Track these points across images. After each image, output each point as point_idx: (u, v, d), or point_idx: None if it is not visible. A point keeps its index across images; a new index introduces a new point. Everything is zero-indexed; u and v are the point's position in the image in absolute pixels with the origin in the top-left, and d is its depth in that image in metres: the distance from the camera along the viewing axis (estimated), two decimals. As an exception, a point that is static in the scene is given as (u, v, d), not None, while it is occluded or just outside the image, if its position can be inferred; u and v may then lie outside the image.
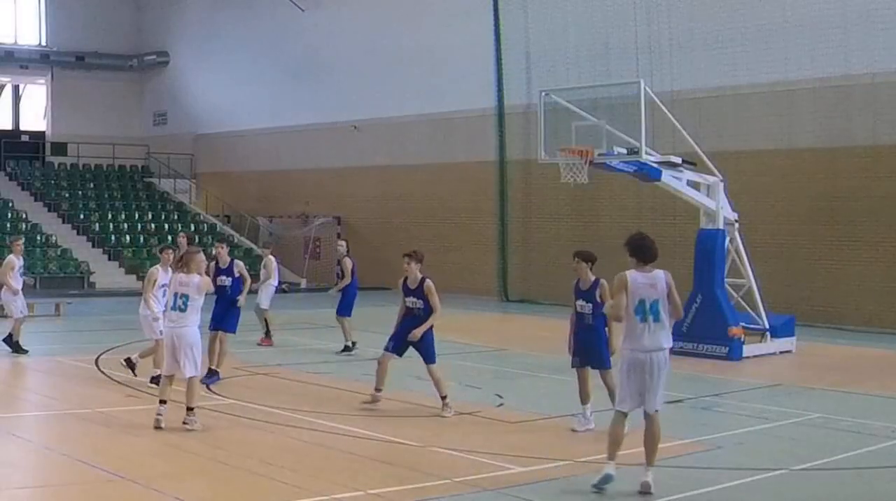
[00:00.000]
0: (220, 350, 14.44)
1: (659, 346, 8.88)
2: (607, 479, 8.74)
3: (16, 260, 17.51)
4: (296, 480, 9.12)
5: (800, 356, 18.77)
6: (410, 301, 12.33)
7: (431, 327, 12.26)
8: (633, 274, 8.92)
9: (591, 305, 11.37)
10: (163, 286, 13.69)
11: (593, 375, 11.54)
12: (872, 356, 19.38)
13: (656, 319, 8.85)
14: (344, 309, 18.34)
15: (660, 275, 8.96)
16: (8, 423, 11.85)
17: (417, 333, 12.08)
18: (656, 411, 8.92)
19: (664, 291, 8.89)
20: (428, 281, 12.30)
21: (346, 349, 18.05)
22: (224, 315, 14.72)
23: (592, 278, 11.51)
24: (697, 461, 10.24)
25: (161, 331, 12.88)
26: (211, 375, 14.15)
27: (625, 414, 8.98)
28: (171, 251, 14.34)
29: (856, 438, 11.45)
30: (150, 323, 14.12)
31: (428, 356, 12.30)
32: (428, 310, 12.23)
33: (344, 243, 19.50)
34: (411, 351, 12.30)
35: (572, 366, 11.61)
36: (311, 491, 8.72)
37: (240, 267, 15.13)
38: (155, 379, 13.22)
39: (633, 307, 8.82)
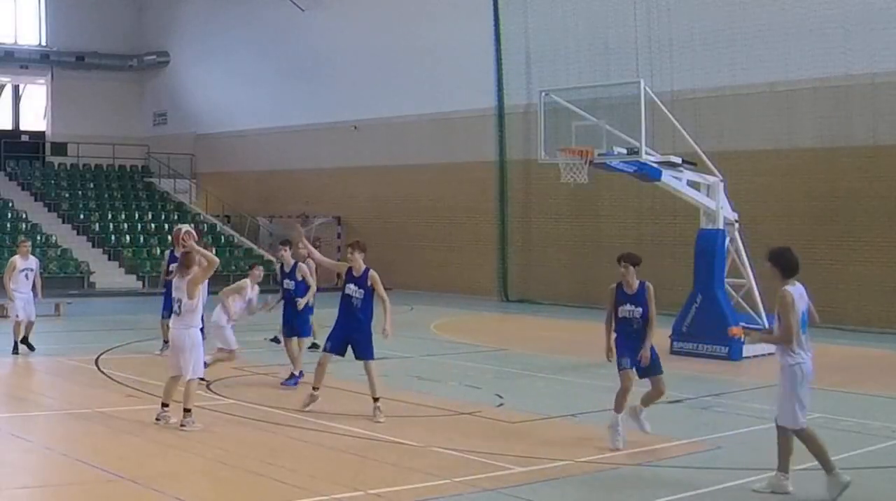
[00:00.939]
0: (296, 355, 14.40)
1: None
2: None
3: (19, 262, 17.22)
4: (296, 480, 9.12)
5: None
6: (351, 288, 12.14)
7: (370, 324, 12.08)
8: (794, 289, 9.04)
9: (640, 309, 10.77)
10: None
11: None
12: (872, 356, 19.38)
13: (805, 330, 9.12)
14: (306, 329, 15.25)
15: (802, 287, 9.16)
16: (8, 423, 11.86)
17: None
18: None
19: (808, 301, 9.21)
20: (372, 271, 12.30)
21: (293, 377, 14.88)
22: (293, 319, 14.59)
23: (638, 282, 10.92)
24: (697, 461, 10.23)
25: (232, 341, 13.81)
26: (291, 378, 14.18)
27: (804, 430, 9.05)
28: (259, 268, 14.95)
29: (856, 438, 11.44)
30: (220, 332, 14.07)
31: (366, 353, 12.04)
32: (368, 301, 12.09)
33: (289, 248, 15.79)
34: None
35: (622, 368, 10.72)
36: (311, 491, 8.73)
37: (303, 270, 14.90)
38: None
39: (800, 321, 9.00)
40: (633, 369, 10.75)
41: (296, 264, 14.98)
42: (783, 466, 8.97)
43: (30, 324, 17.22)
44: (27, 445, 10.91)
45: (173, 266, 13.27)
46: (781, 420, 9.02)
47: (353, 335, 12.07)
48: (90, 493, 8.82)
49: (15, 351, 16.92)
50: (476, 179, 31.48)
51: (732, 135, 24.84)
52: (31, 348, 17.13)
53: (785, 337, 8.92)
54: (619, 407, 10.70)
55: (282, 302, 15.09)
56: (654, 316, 10.84)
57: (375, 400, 11.93)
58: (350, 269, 12.29)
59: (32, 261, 17.57)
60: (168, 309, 14.09)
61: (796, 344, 8.92)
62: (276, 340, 17.61)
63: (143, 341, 18.16)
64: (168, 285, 14.21)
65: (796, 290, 9.00)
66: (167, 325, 13.85)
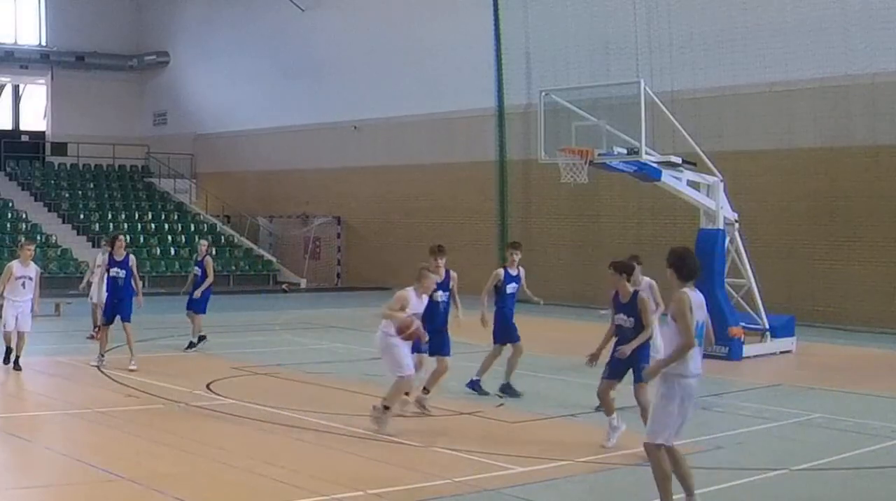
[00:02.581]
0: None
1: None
2: None
3: (17, 268, 15.22)
4: (296, 480, 9.11)
5: (800, 356, 18.76)
6: (437, 294, 12.52)
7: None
8: (691, 293, 8.05)
9: (632, 319, 10.38)
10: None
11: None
12: (872, 356, 19.38)
13: (701, 342, 8.13)
14: (203, 307, 18.17)
15: (701, 295, 8.17)
16: (8, 423, 11.86)
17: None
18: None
19: (706, 312, 8.23)
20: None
21: (192, 345, 17.85)
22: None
23: (632, 290, 10.61)
24: (697, 461, 10.21)
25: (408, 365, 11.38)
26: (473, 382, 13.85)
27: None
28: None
29: (856, 438, 11.44)
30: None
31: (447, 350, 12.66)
32: (448, 303, 12.96)
33: (206, 242, 19.40)
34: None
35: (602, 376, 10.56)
36: (311, 491, 8.72)
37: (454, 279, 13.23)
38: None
39: (695, 330, 7.96)
40: (614, 379, 10.47)
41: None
42: (687, 489, 8.12)
43: (21, 338, 15.24)
44: (27, 445, 10.91)
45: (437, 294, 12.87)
46: (647, 436, 8.09)
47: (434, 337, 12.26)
48: (90, 493, 8.82)
49: (6, 360, 15.32)
50: (476, 179, 31.49)
51: (732, 135, 24.84)
52: (17, 368, 15.13)
53: (683, 345, 7.80)
54: (607, 410, 10.60)
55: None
56: (650, 325, 10.43)
57: (427, 391, 12.34)
58: (507, 268, 13.21)
59: (32, 269, 15.41)
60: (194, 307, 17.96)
61: (687, 356, 7.86)
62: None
63: (143, 341, 18.12)
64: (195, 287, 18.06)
65: (696, 297, 8.03)
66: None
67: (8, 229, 34.91)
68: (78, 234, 36.36)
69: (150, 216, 38.69)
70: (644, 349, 10.54)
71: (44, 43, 42.23)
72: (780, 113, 24.61)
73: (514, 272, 13.73)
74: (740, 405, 13.44)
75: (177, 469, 9.64)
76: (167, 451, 10.28)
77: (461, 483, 9.03)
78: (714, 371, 16.56)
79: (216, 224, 39.43)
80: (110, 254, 15.88)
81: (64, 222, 37.09)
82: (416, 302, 11.37)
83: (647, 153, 17.47)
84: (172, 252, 35.63)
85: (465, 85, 31.17)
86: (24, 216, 36.20)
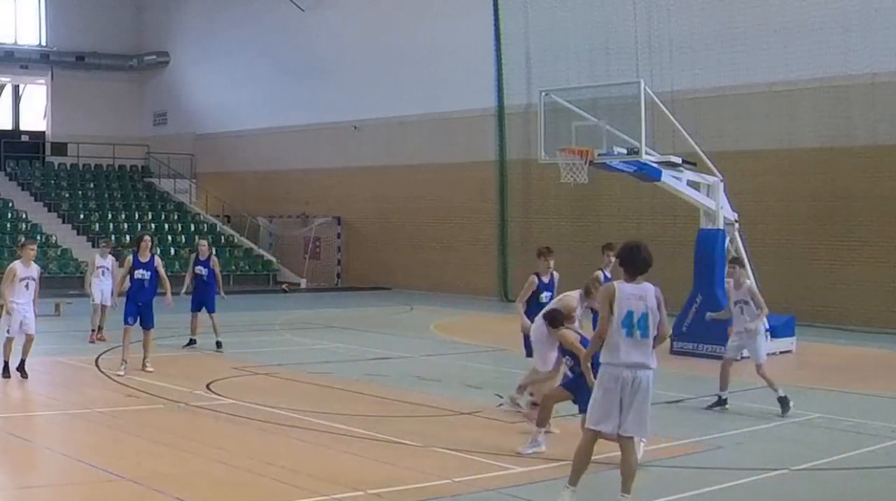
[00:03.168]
0: None
1: (644, 363, 8.11)
2: None
3: (20, 270, 14.53)
4: (296, 480, 9.11)
5: (800, 356, 18.76)
6: (544, 295, 12.83)
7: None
8: (621, 285, 8.17)
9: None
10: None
11: None
12: (872, 356, 19.38)
13: (644, 334, 8.11)
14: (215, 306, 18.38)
15: (649, 288, 8.20)
16: (8, 423, 11.86)
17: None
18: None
19: (654, 305, 8.15)
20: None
21: (220, 345, 17.99)
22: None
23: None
24: (697, 461, 10.24)
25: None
26: None
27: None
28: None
29: (856, 438, 11.44)
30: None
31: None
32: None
33: (206, 242, 19.45)
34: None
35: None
36: (311, 491, 8.72)
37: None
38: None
39: (620, 319, 8.05)
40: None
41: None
42: (624, 486, 8.17)
43: (28, 341, 14.66)
44: (27, 445, 10.91)
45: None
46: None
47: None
48: (90, 493, 8.82)
49: (5, 373, 14.53)
50: (476, 179, 31.49)
51: (732, 135, 24.84)
52: (24, 375, 14.55)
53: (596, 334, 8.13)
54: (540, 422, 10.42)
55: None
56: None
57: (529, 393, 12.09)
58: (539, 275, 12.97)
59: (35, 269, 14.82)
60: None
61: (611, 345, 8.01)
62: None
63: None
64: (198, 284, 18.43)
65: (638, 289, 8.09)
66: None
67: (8, 229, 34.92)
68: (78, 234, 36.37)
69: (150, 216, 38.70)
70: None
71: (44, 43, 42.24)
72: (780, 113, 24.61)
73: (546, 279, 13.29)
74: (740, 405, 13.43)
75: (177, 469, 9.64)
76: (167, 451, 10.28)
77: (461, 483, 9.03)
78: (714, 371, 16.56)
79: (216, 224, 39.43)
80: (135, 255, 15.61)
81: (64, 222, 37.10)
82: (581, 311, 11.28)
83: (647, 153, 17.47)
84: (172, 252, 35.61)
85: (465, 85, 31.16)
86: (24, 216, 36.21)
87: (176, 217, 39.34)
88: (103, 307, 19.02)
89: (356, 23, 34.92)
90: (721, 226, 18.45)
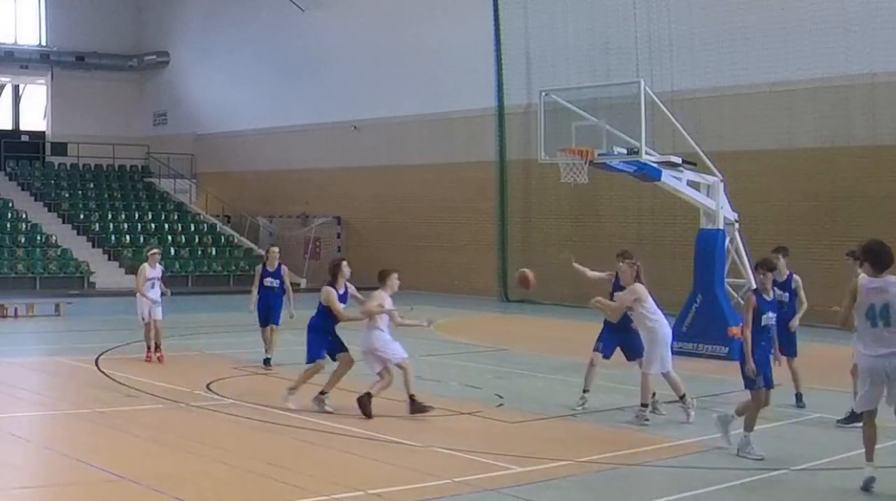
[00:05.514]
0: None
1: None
2: (870, 481, 8.89)
3: (148, 270, 16.68)
4: (296, 480, 9.11)
5: (800, 356, 18.70)
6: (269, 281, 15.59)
7: None
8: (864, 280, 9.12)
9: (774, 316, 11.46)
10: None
11: None
12: (872, 356, 19.32)
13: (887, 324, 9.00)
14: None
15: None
16: (8, 423, 11.85)
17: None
18: None
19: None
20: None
21: (268, 361, 16.62)
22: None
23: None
24: (697, 461, 10.23)
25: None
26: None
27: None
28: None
29: (856, 438, 11.41)
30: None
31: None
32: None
33: (277, 249, 17.40)
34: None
35: (755, 388, 10.87)
36: (311, 491, 8.72)
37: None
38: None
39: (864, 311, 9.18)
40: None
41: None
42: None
43: (157, 328, 16.54)
44: (27, 445, 10.91)
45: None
46: None
47: (625, 338, 12.73)
48: (90, 493, 8.81)
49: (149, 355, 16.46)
50: (476, 179, 31.49)
51: (732, 135, 24.83)
52: (160, 358, 16.48)
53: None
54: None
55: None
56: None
57: (654, 395, 12.21)
58: (618, 277, 12.90)
59: (159, 270, 16.98)
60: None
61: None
62: None
63: (143, 342, 18.11)
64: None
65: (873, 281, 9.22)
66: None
67: (8, 229, 34.91)
68: (78, 234, 36.35)
69: (150, 216, 38.69)
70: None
71: (44, 43, 42.23)
72: (780, 113, 24.60)
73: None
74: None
75: (177, 469, 9.64)
76: (167, 451, 10.29)
77: (461, 483, 9.03)
78: (714, 371, 16.58)
79: (216, 224, 39.43)
80: (263, 265, 16.88)
81: (64, 222, 37.08)
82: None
83: (647, 153, 17.47)
84: (172, 252, 35.61)
85: (465, 85, 31.17)
86: (24, 216, 36.19)
87: (176, 217, 39.33)
88: (155, 322, 16.75)
89: (356, 23, 34.92)
90: (721, 226, 18.45)
